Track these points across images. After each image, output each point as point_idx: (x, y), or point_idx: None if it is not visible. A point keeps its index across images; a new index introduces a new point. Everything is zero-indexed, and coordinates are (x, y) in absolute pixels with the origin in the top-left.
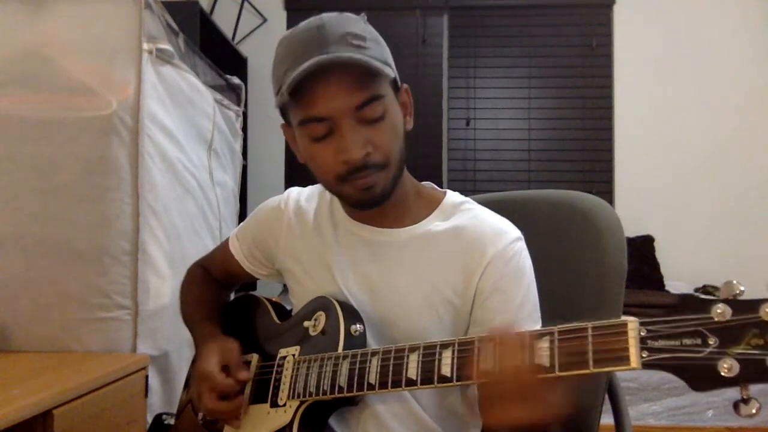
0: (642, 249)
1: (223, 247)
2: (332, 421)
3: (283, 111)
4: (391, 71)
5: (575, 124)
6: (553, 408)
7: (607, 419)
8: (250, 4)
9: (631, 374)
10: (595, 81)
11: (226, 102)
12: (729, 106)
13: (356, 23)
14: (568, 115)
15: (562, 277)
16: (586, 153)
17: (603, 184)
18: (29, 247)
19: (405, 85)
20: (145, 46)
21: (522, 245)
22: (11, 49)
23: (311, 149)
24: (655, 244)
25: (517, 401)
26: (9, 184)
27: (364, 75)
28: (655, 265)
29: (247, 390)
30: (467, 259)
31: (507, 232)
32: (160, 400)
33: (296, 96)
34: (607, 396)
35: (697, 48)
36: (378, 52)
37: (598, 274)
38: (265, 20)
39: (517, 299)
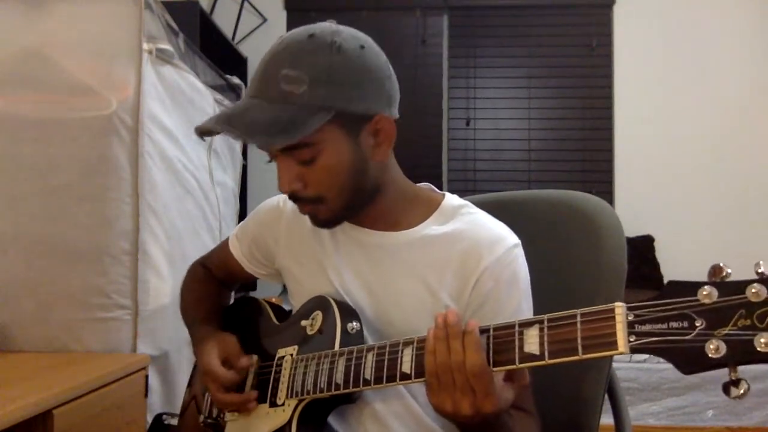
0: (642, 249)
1: (223, 246)
2: (332, 421)
3: None
4: (323, 116)
5: (575, 124)
6: (494, 401)
7: (607, 419)
8: (250, 4)
9: (631, 374)
10: (595, 81)
11: (226, 102)
12: (729, 105)
13: (309, 56)
14: (568, 115)
15: (562, 278)
16: (586, 153)
17: (603, 184)
18: (29, 247)
19: (383, 114)
20: (145, 46)
21: (519, 252)
22: (11, 49)
23: None
24: (655, 244)
25: (457, 393)
26: (9, 184)
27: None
28: (655, 265)
29: (247, 391)
30: (464, 264)
31: (504, 239)
32: (160, 400)
33: None
34: (606, 396)
35: (697, 48)
36: (315, 95)
37: (597, 274)
38: (265, 20)
39: (510, 307)
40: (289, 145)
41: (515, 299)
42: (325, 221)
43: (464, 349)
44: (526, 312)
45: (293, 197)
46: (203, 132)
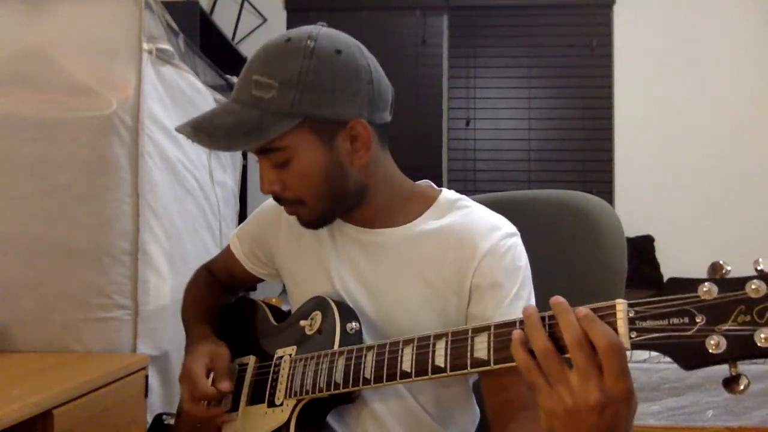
0: (642, 249)
1: (226, 249)
2: (331, 420)
3: None
4: (290, 121)
5: (575, 124)
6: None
7: None
8: (250, 4)
9: (631, 374)
10: (595, 81)
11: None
12: (729, 105)
13: (281, 61)
14: (568, 115)
15: (562, 278)
16: (586, 153)
17: (603, 184)
18: (29, 247)
19: (358, 120)
20: (145, 46)
21: (516, 240)
22: (11, 49)
23: None
24: (655, 244)
25: (574, 377)
26: (9, 184)
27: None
28: (655, 265)
29: (245, 391)
30: (460, 255)
31: (500, 228)
32: (160, 400)
33: None
34: None
35: (697, 48)
36: (284, 100)
37: (598, 274)
38: (265, 20)
39: (511, 294)
40: (260, 148)
41: (516, 286)
42: (307, 222)
43: (580, 322)
44: (527, 300)
45: (276, 198)
46: (180, 132)
